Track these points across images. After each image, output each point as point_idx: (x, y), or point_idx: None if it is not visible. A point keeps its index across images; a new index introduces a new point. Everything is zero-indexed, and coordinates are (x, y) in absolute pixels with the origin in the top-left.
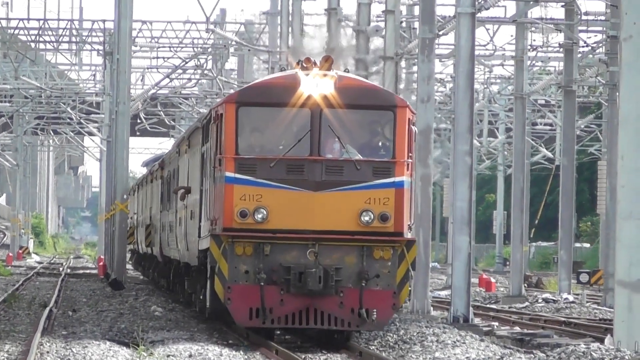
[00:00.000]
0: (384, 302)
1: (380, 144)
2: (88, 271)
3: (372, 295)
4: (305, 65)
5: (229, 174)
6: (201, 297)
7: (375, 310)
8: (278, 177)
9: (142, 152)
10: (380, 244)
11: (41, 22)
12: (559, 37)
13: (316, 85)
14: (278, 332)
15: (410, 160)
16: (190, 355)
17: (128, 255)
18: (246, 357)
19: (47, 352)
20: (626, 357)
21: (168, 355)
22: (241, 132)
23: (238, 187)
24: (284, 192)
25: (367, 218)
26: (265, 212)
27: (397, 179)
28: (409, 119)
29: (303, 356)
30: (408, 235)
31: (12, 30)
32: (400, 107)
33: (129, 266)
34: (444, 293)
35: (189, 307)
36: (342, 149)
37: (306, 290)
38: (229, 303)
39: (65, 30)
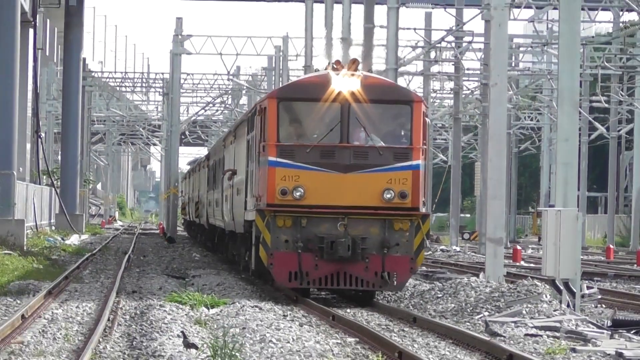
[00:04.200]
0: (403, 266)
1: (399, 132)
2: (152, 231)
3: (393, 261)
4: (335, 66)
5: (271, 158)
6: (246, 258)
7: (395, 273)
8: (313, 160)
9: (187, 156)
10: (399, 217)
11: (123, 73)
12: (451, 84)
13: (345, 84)
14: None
15: (424, 146)
16: (217, 284)
17: (180, 222)
18: (253, 287)
19: (127, 283)
20: (492, 285)
21: (203, 284)
22: (282, 123)
23: (279, 170)
24: (318, 173)
25: (388, 195)
26: (302, 191)
27: (413, 162)
28: (423, 111)
29: (332, 310)
30: (422, 210)
31: (105, 79)
32: (416, 101)
33: (180, 229)
34: None
35: (233, 265)
36: (367, 137)
37: (337, 256)
38: (272, 267)
39: (138, 78)
